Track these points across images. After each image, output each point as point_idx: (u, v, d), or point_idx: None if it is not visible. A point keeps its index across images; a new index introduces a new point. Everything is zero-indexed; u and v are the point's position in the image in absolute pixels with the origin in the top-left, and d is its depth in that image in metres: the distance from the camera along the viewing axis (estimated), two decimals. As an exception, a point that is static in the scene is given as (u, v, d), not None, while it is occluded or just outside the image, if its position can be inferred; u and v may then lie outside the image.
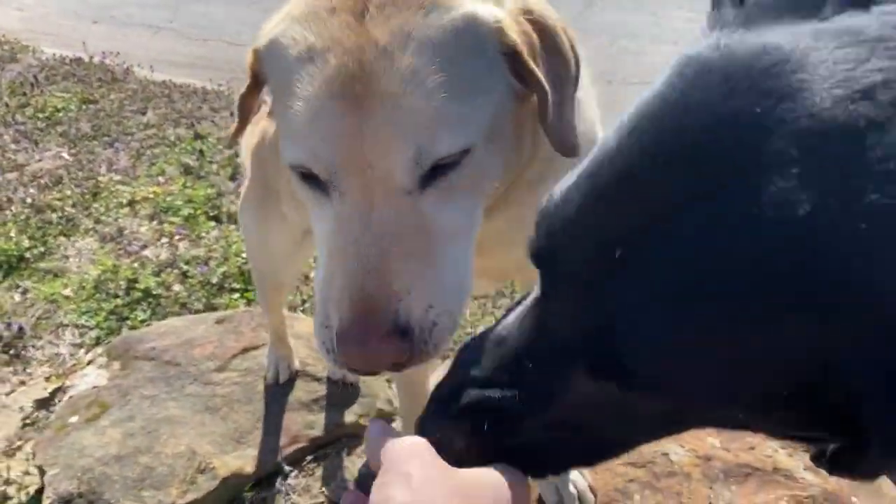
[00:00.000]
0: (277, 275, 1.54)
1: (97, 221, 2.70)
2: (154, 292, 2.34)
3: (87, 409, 1.74)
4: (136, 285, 2.33)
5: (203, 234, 2.63)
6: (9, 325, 2.12)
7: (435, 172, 0.69)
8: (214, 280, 2.36)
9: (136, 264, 2.45)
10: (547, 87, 0.72)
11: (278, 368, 1.77)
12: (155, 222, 2.72)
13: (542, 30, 0.75)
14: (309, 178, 0.72)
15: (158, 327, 2.04)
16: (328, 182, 0.70)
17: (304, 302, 2.28)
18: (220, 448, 1.64)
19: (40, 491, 1.56)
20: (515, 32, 0.71)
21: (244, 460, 1.63)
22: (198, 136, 3.31)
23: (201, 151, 3.16)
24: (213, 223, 2.71)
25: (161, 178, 2.99)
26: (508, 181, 0.80)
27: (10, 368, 2.01)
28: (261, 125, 1.23)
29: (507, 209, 0.85)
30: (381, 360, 0.67)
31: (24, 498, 1.60)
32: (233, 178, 2.93)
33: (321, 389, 1.79)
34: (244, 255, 2.32)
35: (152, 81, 4.04)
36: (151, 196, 2.86)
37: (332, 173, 0.68)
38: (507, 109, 0.74)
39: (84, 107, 3.66)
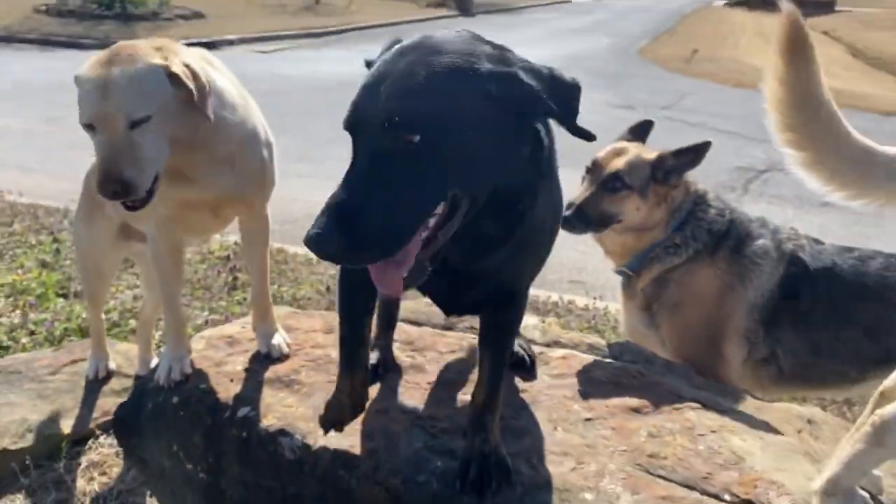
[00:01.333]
0: (101, 266, 2.29)
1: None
2: (4, 345, 2.95)
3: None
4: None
5: (51, 307, 3.28)
6: None
7: (137, 124, 1.55)
8: (57, 333, 3.01)
9: (-8, 327, 3.06)
10: (194, 90, 1.60)
11: (97, 367, 2.45)
12: (11, 299, 3.35)
13: (193, 70, 1.63)
14: (86, 127, 1.57)
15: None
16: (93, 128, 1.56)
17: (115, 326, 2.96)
18: (48, 417, 2.29)
19: None
20: (177, 68, 1.60)
21: (65, 426, 2.28)
22: (56, 241, 4.00)
23: (57, 250, 3.85)
24: (61, 299, 3.37)
25: (20, 270, 3.64)
26: (187, 134, 1.66)
27: None
28: (90, 164, 2.04)
29: (196, 155, 1.71)
30: (113, 190, 1.53)
31: None
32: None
33: (128, 383, 2.47)
34: (84, 315, 2.99)
35: (20, 203, 4.71)
36: (10, 282, 3.49)
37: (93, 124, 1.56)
38: (172, 102, 1.61)
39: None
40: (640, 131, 2.38)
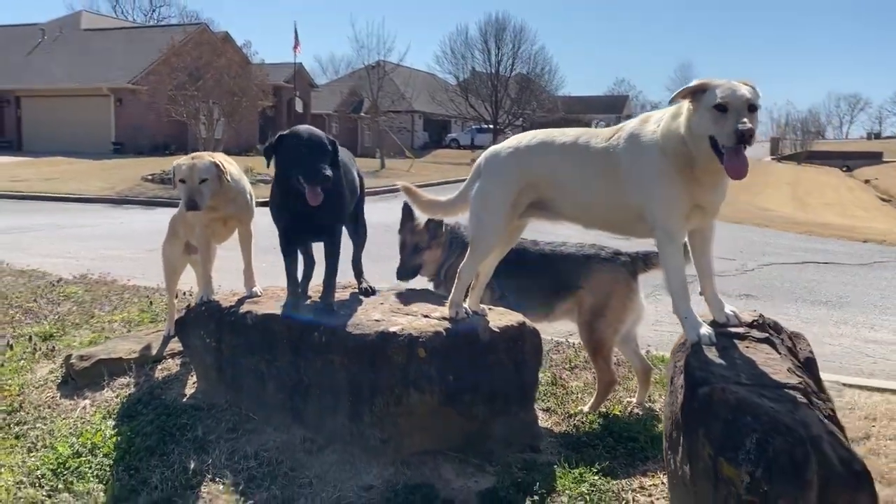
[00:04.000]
0: (175, 268, 4.48)
1: None
2: (132, 332, 5.09)
3: None
4: None
5: (145, 321, 5.43)
6: None
7: (202, 181, 3.75)
8: (143, 329, 5.15)
9: None
10: (223, 169, 3.79)
11: (169, 329, 4.57)
12: (127, 324, 5.53)
13: (222, 163, 3.84)
14: (179, 182, 3.77)
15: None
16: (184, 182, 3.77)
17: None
18: (143, 348, 4.39)
19: None
20: (216, 161, 3.80)
21: (151, 352, 4.38)
22: (149, 300, 6.23)
23: (150, 303, 6.08)
24: (151, 324, 5.51)
25: (132, 311, 5.85)
26: (217, 188, 3.83)
27: None
28: (174, 215, 4.28)
29: (220, 196, 3.88)
30: (191, 207, 3.73)
31: None
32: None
33: (186, 338, 4.56)
34: (149, 322, 5.12)
35: (130, 284, 7.02)
36: (126, 316, 5.69)
37: None
38: (214, 174, 3.77)
39: None
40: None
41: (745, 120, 2.41)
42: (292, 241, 3.63)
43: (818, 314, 7.40)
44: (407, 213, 4.18)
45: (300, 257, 3.88)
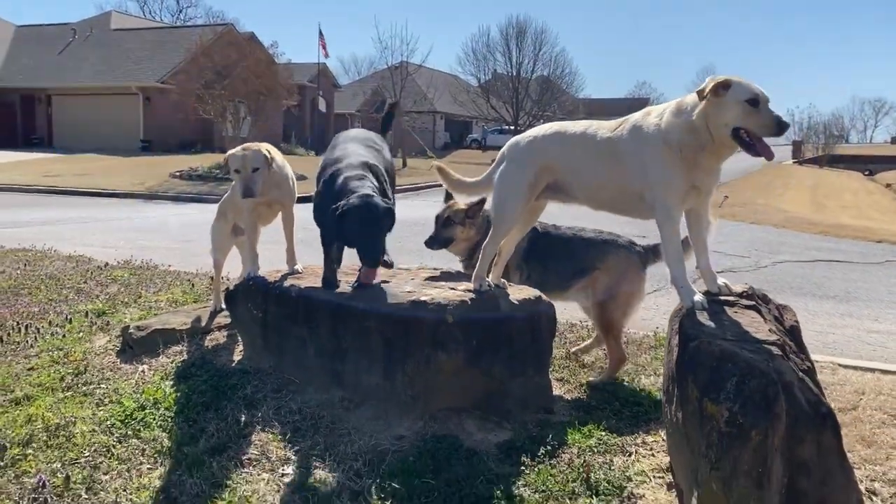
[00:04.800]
0: (223, 248, 4.92)
1: (144, 297, 5.97)
2: (180, 307, 5.54)
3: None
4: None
5: (189, 301, 5.87)
6: None
7: (255, 170, 4.19)
8: (188, 306, 5.59)
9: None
10: (270, 158, 4.21)
11: (216, 304, 5.01)
12: (174, 304, 5.98)
13: (271, 151, 4.26)
14: (234, 171, 4.19)
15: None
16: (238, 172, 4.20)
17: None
18: (193, 320, 4.84)
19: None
20: (266, 150, 4.22)
21: (201, 323, 4.82)
22: (191, 283, 6.68)
23: (192, 285, 6.53)
24: (193, 302, 5.96)
25: (175, 292, 6.30)
26: (266, 175, 4.25)
27: None
28: (223, 199, 4.72)
29: (268, 182, 4.30)
30: (246, 194, 4.17)
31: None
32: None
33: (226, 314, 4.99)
34: (193, 301, 5.56)
35: (171, 270, 7.49)
36: (172, 296, 6.14)
37: None
38: (264, 163, 4.19)
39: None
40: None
41: (782, 115, 2.80)
42: (333, 242, 4.01)
43: (825, 307, 7.71)
44: (448, 192, 4.52)
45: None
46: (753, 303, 3.06)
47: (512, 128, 46.88)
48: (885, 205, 29.75)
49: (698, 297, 2.99)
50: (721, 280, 3.18)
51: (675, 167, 3.01)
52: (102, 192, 19.08)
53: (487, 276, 3.81)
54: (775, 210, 20.52)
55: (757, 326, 2.82)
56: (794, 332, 3.09)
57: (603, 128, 3.26)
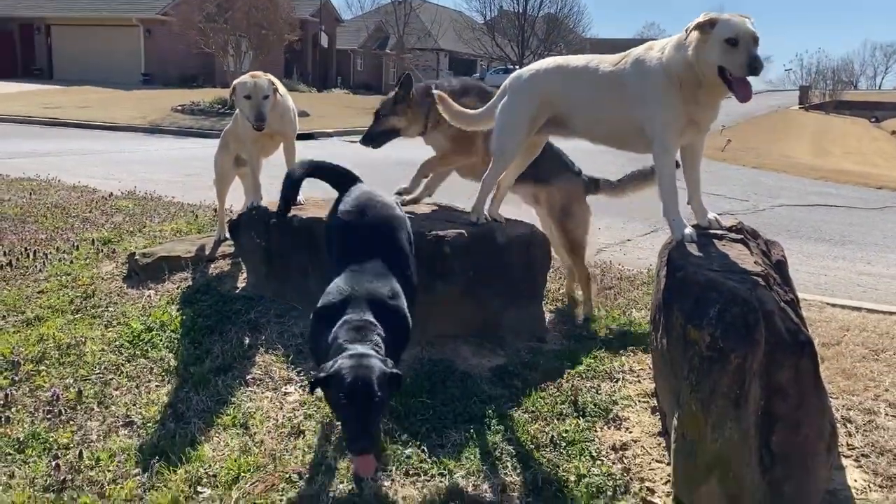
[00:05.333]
0: (226, 177, 5.01)
1: (148, 226, 6.08)
2: (184, 236, 5.65)
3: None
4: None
5: (192, 232, 5.98)
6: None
7: (265, 97, 4.26)
8: (193, 234, 5.70)
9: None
10: (276, 87, 4.26)
11: (220, 233, 5.11)
12: (178, 233, 6.08)
13: (274, 81, 4.31)
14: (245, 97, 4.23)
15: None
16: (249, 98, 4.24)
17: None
18: (197, 248, 4.94)
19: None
20: (271, 79, 4.27)
21: (205, 251, 4.93)
22: (194, 214, 6.78)
23: (195, 217, 6.63)
24: (196, 233, 6.06)
25: (181, 222, 6.40)
26: (272, 104, 4.30)
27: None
28: (226, 129, 4.77)
29: (272, 113, 4.34)
30: (257, 120, 4.25)
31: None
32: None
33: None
34: (195, 230, 5.66)
35: (175, 201, 7.57)
36: (177, 227, 6.24)
37: None
38: (271, 91, 4.24)
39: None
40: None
41: (758, 55, 2.82)
42: None
43: (819, 250, 7.82)
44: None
45: None
46: (742, 237, 3.15)
47: (516, 67, 46.16)
48: (889, 152, 29.59)
49: (688, 230, 3.08)
50: (711, 215, 3.26)
51: (674, 101, 3.06)
52: (104, 125, 18.99)
53: (484, 210, 3.90)
54: (777, 155, 20.48)
55: (743, 259, 2.92)
56: (780, 267, 3.20)
57: (605, 62, 3.29)
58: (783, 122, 36.29)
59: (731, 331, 2.53)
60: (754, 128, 29.84)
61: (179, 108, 21.52)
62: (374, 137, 4.28)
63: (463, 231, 3.77)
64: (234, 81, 4.33)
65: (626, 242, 7.67)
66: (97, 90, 27.71)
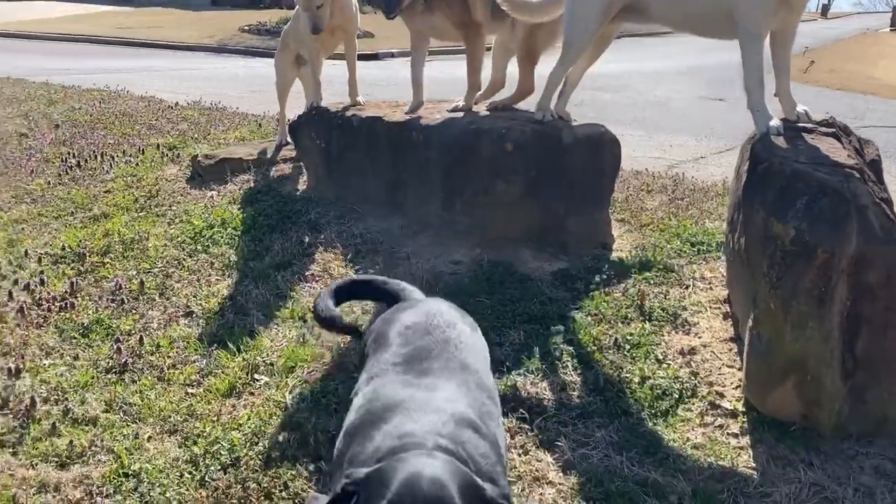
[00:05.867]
0: (287, 78, 4.93)
1: (212, 133, 6.07)
2: (247, 141, 5.63)
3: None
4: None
5: (254, 140, 5.94)
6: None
7: (319, 7, 4.07)
8: (256, 140, 5.65)
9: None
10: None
11: (283, 138, 5.05)
12: (243, 139, 6.06)
13: None
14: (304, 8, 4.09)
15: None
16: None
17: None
18: (259, 152, 4.90)
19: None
20: None
21: (266, 154, 4.88)
22: (258, 123, 6.74)
23: (259, 125, 6.59)
24: (259, 139, 6.02)
25: (243, 131, 6.38)
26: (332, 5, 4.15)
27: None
28: (285, 29, 4.65)
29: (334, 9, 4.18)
30: (315, 27, 4.11)
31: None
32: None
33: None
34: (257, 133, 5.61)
35: (239, 112, 7.56)
36: (240, 135, 6.22)
37: None
38: None
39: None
40: None
41: None
42: None
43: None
44: None
45: None
46: (833, 130, 2.88)
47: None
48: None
49: (774, 122, 2.84)
50: (800, 107, 2.99)
51: None
52: (173, 45, 19.12)
53: (551, 105, 3.69)
54: (865, 77, 19.11)
55: (835, 152, 2.67)
56: (874, 165, 2.92)
57: None
58: (873, 45, 33.72)
59: (820, 223, 2.32)
60: (840, 50, 27.81)
61: (246, 27, 21.45)
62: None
63: (526, 129, 3.59)
64: None
65: (699, 159, 7.29)
66: (167, 11, 27.87)
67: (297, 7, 4.35)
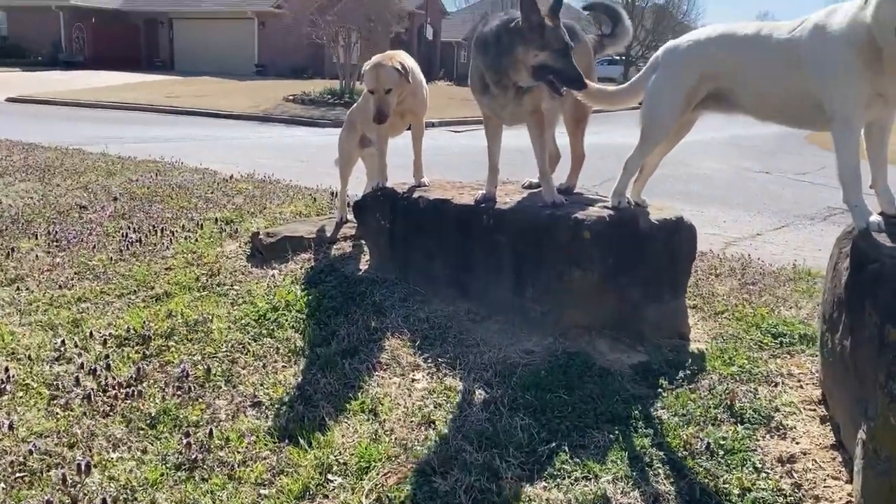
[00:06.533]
0: (350, 158, 4.91)
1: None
2: (305, 215, 5.63)
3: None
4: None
5: (312, 214, 5.95)
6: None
7: (388, 91, 4.11)
8: (314, 216, 5.65)
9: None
10: (403, 73, 4.11)
11: (341, 216, 5.03)
12: (298, 214, 6.08)
13: (403, 64, 4.15)
14: (370, 91, 4.12)
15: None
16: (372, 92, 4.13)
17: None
18: (318, 230, 4.88)
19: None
20: (398, 65, 4.11)
21: (327, 234, 4.86)
22: (313, 198, 6.78)
23: (314, 200, 6.61)
24: (316, 216, 6.03)
25: (298, 205, 6.40)
26: (401, 89, 4.17)
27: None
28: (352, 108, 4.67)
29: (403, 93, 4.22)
30: (380, 117, 4.12)
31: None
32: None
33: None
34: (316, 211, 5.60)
35: (293, 185, 7.63)
36: (297, 209, 6.24)
37: None
38: (397, 80, 4.11)
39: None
40: None
41: None
42: None
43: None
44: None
45: None
46: (939, 226, 2.74)
47: (623, 58, 44.90)
48: None
49: (874, 218, 2.71)
50: (900, 201, 2.87)
51: (856, 71, 2.69)
52: (220, 114, 19.66)
53: (627, 193, 3.61)
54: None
55: (946, 251, 2.52)
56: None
57: (779, 28, 2.94)
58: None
59: (945, 332, 2.17)
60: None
61: (291, 97, 22.04)
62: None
63: (603, 215, 3.50)
64: (363, 67, 4.20)
65: (756, 236, 7.15)
66: (214, 80, 28.84)
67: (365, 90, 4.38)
